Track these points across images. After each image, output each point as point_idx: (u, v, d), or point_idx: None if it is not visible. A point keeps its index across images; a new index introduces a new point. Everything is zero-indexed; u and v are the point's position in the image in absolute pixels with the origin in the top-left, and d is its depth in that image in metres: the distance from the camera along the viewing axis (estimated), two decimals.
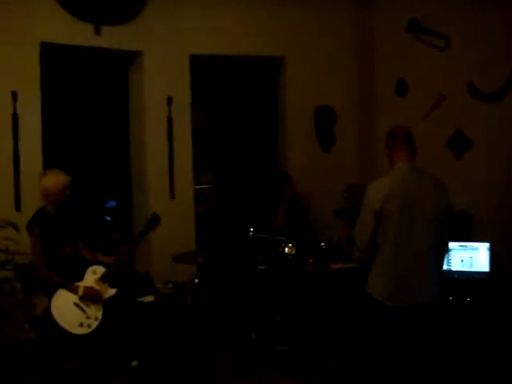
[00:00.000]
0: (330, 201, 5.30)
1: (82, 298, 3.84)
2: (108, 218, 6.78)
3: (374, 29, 5.57)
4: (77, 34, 4.85)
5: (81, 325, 3.80)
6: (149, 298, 4.37)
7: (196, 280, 4.68)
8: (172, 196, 5.29)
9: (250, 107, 6.99)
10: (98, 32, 4.92)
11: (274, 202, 5.04)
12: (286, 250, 4.30)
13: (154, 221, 4.25)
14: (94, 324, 3.84)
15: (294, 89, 5.60)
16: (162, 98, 5.24)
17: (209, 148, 7.46)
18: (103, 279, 3.97)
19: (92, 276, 3.96)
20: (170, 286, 4.44)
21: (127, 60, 5.41)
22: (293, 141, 5.68)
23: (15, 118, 4.61)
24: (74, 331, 3.77)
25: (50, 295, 3.80)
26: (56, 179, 3.90)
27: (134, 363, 4.15)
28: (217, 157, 7.65)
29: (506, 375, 3.92)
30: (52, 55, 4.92)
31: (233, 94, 7.14)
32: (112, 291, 4.00)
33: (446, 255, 4.06)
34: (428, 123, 5.14)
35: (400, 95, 5.39)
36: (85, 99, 6.28)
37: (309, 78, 5.56)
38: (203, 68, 5.86)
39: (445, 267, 4.29)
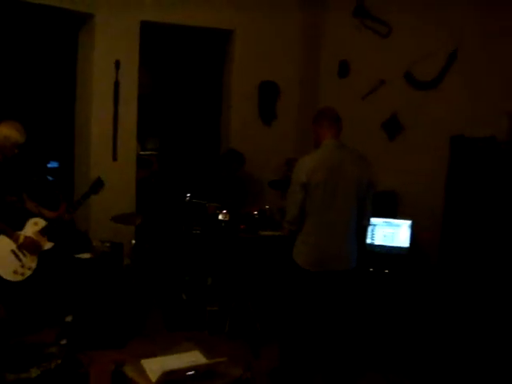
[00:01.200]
0: (270, 173, 5.53)
1: (20, 247, 3.94)
2: (50, 178, 6.79)
3: (323, 11, 5.75)
4: None
5: (15, 272, 3.90)
6: (86, 255, 4.47)
7: (133, 241, 4.82)
8: (114, 158, 5.37)
9: (198, 77, 7.10)
10: None
11: (221, 176, 5.21)
12: (220, 216, 4.50)
13: (98, 185, 4.36)
14: (28, 273, 3.95)
15: (241, 62, 5.74)
16: (110, 61, 5.29)
17: (156, 115, 7.55)
18: (43, 232, 4.07)
19: (33, 227, 4.06)
20: (107, 244, 4.55)
21: (79, 21, 5.42)
22: (236, 112, 5.83)
23: None
24: (6, 277, 3.87)
25: None
26: (9, 133, 3.92)
27: (69, 318, 4.27)
28: (163, 124, 7.75)
29: (417, 341, 4.27)
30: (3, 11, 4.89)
31: (182, 63, 7.23)
32: (49, 245, 4.11)
33: (369, 228, 4.37)
34: (366, 105, 5.38)
35: (342, 77, 5.60)
36: (33, 56, 6.24)
37: (256, 53, 5.72)
38: (154, 35, 5.92)
39: (368, 241, 4.62)
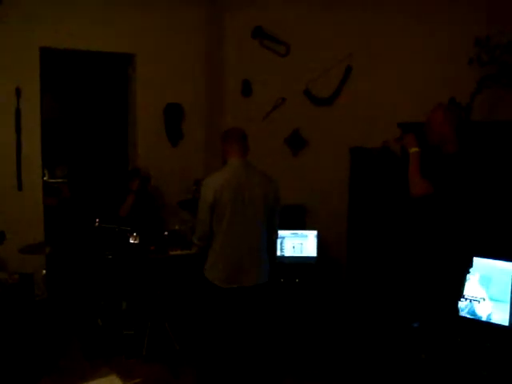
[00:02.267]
0: (179, 192, 5.60)
1: None
2: None
3: (224, 33, 5.90)
4: None
5: None
6: None
7: (43, 271, 4.73)
8: (19, 188, 5.26)
9: (103, 102, 7.08)
10: None
11: (123, 192, 5.19)
12: (131, 239, 4.51)
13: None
14: None
15: (145, 85, 5.77)
16: (10, 89, 5.19)
17: (63, 143, 7.45)
18: None
19: None
20: (16, 276, 4.45)
21: None
22: (143, 135, 5.83)
23: None
24: None
25: None
26: None
27: None
28: (71, 152, 7.65)
29: (326, 344, 4.45)
30: None
31: (86, 88, 7.19)
32: None
33: (278, 241, 4.52)
34: (269, 123, 5.58)
35: (245, 96, 5.77)
36: None
37: (159, 76, 5.77)
38: (58, 61, 5.86)
39: (278, 253, 4.77)
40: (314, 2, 5.33)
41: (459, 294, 3.38)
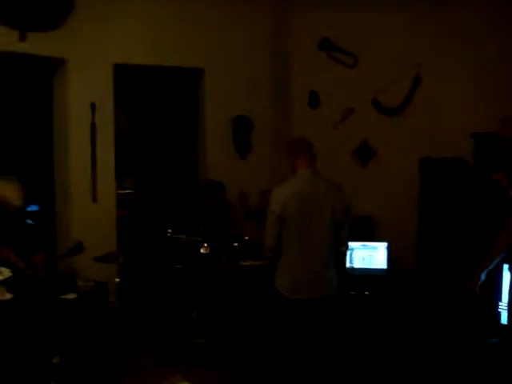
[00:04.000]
0: (248, 203, 5.67)
1: None
2: (29, 222, 6.79)
3: (290, 45, 5.96)
4: (1, 39, 4.96)
5: None
6: (71, 296, 4.49)
7: (116, 279, 4.86)
8: (94, 199, 5.44)
9: (173, 115, 7.24)
10: (22, 38, 5.04)
11: (202, 206, 5.31)
12: (202, 249, 4.58)
13: (77, 249, 4.41)
14: None
15: (213, 99, 5.89)
16: (85, 104, 5.39)
17: (132, 154, 7.65)
18: (3, 283, 4.04)
19: None
20: (91, 283, 4.59)
21: (52, 66, 5.54)
22: (212, 148, 5.95)
23: None
24: None
25: None
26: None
27: (56, 360, 4.27)
28: (140, 163, 7.83)
29: (398, 356, 4.36)
30: None
31: (156, 102, 7.36)
32: (8, 296, 4.07)
33: (348, 253, 4.48)
34: (338, 134, 5.56)
35: (312, 107, 5.78)
36: (9, 105, 6.33)
37: (227, 89, 5.87)
38: (128, 75, 6.06)
39: (348, 265, 4.74)
40: (381, 12, 5.30)
41: None
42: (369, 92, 5.38)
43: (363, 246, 4.86)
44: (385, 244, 4.85)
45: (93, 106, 5.41)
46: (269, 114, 6.05)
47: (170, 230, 4.61)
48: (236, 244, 4.81)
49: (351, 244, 4.53)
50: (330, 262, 3.64)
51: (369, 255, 4.84)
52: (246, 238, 4.98)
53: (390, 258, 4.85)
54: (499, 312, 3.76)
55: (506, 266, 3.71)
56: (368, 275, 4.77)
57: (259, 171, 5.94)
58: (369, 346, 4.44)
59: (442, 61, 4.89)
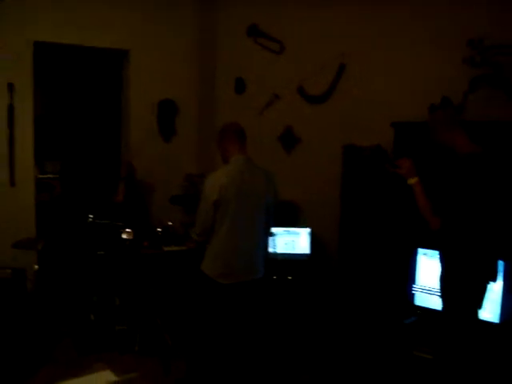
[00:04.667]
0: (171, 188, 5.61)
1: None
2: None
3: (218, 31, 5.94)
4: None
5: None
6: None
7: (35, 266, 4.73)
8: (12, 184, 5.24)
9: (97, 98, 7.07)
10: None
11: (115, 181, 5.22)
12: (124, 235, 4.51)
13: None
14: None
15: (138, 81, 5.79)
16: (2, 85, 5.17)
17: (55, 138, 7.42)
18: None
19: None
20: (8, 271, 4.45)
21: None
22: (136, 131, 5.87)
23: None
24: None
25: None
26: None
27: None
28: (63, 147, 7.62)
29: (318, 341, 4.48)
30: None
31: (80, 83, 7.17)
32: None
33: (271, 238, 4.53)
34: (262, 120, 5.60)
35: (238, 93, 5.80)
36: None
37: (153, 72, 5.79)
38: (48, 55, 5.84)
39: (270, 250, 4.78)
40: (309, 0, 5.34)
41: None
42: (294, 79, 5.42)
43: (286, 231, 4.93)
44: (307, 229, 4.94)
45: (10, 87, 5.19)
46: (194, 98, 6.02)
47: (91, 216, 4.50)
48: (159, 229, 4.77)
49: (274, 229, 4.58)
50: (261, 247, 3.70)
51: (292, 240, 4.92)
52: (170, 223, 4.95)
53: (313, 243, 4.95)
54: (413, 294, 3.93)
55: (426, 253, 3.87)
56: (291, 260, 4.85)
57: (184, 155, 5.91)
58: (291, 330, 4.54)
59: (366, 49, 4.97)
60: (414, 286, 3.94)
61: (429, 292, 3.83)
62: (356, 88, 5.09)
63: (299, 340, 4.52)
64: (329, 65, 5.20)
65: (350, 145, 4.90)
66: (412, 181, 3.24)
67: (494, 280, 3.17)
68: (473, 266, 3.09)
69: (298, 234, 4.93)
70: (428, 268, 3.85)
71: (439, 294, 3.23)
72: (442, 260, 3.20)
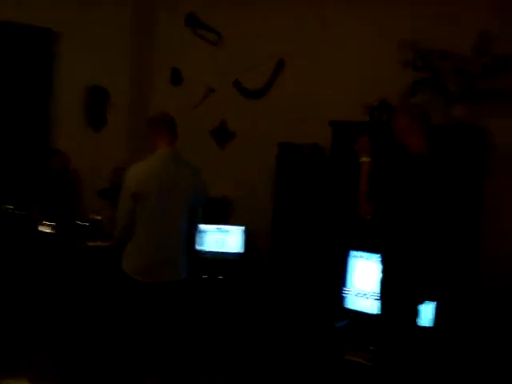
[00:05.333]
0: (99, 180, 5.33)
1: None
2: None
3: (155, 18, 5.69)
4: None
5: None
6: None
7: None
8: None
9: (24, 78, 6.63)
10: None
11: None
12: (43, 227, 4.19)
13: None
14: None
15: (68, 65, 5.47)
16: None
17: None
18: None
19: None
20: None
21: None
22: (64, 118, 5.54)
23: None
24: None
25: None
26: None
27: None
28: None
29: (243, 342, 4.35)
30: None
31: (5, 62, 6.70)
32: None
33: (201, 235, 4.37)
34: (197, 113, 5.42)
35: (174, 84, 5.59)
36: None
37: (84, 57, 5.48)
38: None
39: (199, 248, 4.61)
40: None
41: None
42: (231, 72, 5.28)
43: (218, 228, 4.78)
44: (240, 227, 4.80)
45: None
46: (128, 87, 5.72)
47: (10, 206, 4.18)
48: (87, 223, 4.49)
49: (205, 227, 4.43)
50: (183, 246, 3.51)
51: (222, 238, 4.76)
52: (99, 217, 4.68)
53: (246, 242, 4.81)
54: (345, 296, 3.86)
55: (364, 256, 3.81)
56: (222, 259, 4.69)
57: (114, 146, 5.61)
58: (219, 332, 4.38)
59: (306, 46, 4.88)
60: (346, 288, 3.87)
61: (362, 295, 3.77)
62: (294, 85, 5.01)
63: (224, 342, 4.36)
64: (267, 60, 5.10)
65: (286, 142, 4.80)
66: (364, 159, 3.17)
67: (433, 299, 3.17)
68: (412, 280, 3.01)
69: (229, 231, 4.78)
70: (361, 270, 3.80)
71: (378, 297, 3.15)
72: (383, 264, 3.13)
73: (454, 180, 3.15)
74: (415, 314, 3.09)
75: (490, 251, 4.08)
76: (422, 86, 4.27)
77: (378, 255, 3.22)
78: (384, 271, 3.10)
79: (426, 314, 3.46)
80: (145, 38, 5.74)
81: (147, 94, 5.71)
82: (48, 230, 4.20)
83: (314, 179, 4.59)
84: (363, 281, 3.76)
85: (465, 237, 3.90)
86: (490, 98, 4.09)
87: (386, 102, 4.30)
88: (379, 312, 3.16)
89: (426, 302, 3.16)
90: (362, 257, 3.82)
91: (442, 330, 3.54)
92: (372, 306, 3.66)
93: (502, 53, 4.01)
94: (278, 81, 5.12)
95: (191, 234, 3.59)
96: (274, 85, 5.14)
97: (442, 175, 3.11)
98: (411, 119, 3.15)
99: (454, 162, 3.29)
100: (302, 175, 4.63)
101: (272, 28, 5.10)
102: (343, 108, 4.51)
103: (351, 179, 3.46)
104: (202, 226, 3.84)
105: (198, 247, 4.35)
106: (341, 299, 3.87)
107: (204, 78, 5.41)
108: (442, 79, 4.24)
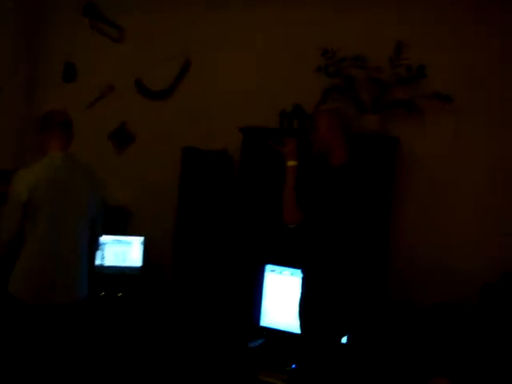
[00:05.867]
0: None
1: None
2: None
3: (48, 6, 5.16)
4: None
5: None
6: None
7: None
8: None
9: None
10: None
11: None
12: None
13: None
14: None
15: None
16: None
17: None
18: None
19: None
20: None
21: None
22: None
23: None
24: None
25: None
26: None
27: None
28: None
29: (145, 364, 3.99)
30: None
31: None
32: None
33: (99, 250, 3.95)
34: (93, 114, 4.99)
35: (67, 81, 5.11)
36: None
37: None
38: None
39: (98, 262, 4.19)
40: None
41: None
42: (133, 71, 4.90)
43: (116, 240, 4.36)
44: (140, 239, 4.42)
45: None
46: (14, 81, 5.13)
47: None
48: None
49: (103, 238, 4.00)
50: (83, 262, 3.11)
51: (123, 251, 4.36)
52: None
53: (146, 254, 4.44)
54: (259, 314, 3.62)
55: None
56: (122, 274, 4.28)
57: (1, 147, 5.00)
58: (117, 353, 3.97)
59: (215, 47, 4.64)
60: (260, 305, 3.62)
61: (276, 312, 3.54)
62: (202, 87, 4.74)
63: (125, 367, 3.96)
64: (173, 59, 4.78)
65: (191, 147, 4.51)
66: (291, 163, 2.97)
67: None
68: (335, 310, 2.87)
69: (129, 243, 4.39)
70: (276, 286, 3.57)
71: (297, 316, 2.93)
72: (305, 283, 2.92)
73: (365, 192, 3.04)
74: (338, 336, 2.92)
75: (396, 265, 4.04)
76: (334, 93, 4.16)
77: (299, 270, 3.02)
78: (305, 291, 2.90)
79: None
80: (38, 26, 5.18)
81: (38, 89, 5.17)
82: None
83: (221, 187, 4.33)
84: (278, 297, 3.54)
85: (373, 251, 3.82)
86: (402, 108, 4.06)
87: (300, 108, 4.15)
88: (298, 331, 2.95)
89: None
90: (275, 271, 3.61)
91: (355, 348, 3.41)
92: (288, 324, 3.44)
93: (416, 63, 3.99)
94: (184, 82, 4.80)
95: (92, 249, 3.19)
96: (179, 86, 4.82)
97: (360, 186, 2.98)
98: (333, 123, 2.99)
99: (365, 173, 3.15)
100: (209, 183, 4.35)
101: (179, 26, 4.78)
102: (255, 113, 4.32)
103: (262, 188, 3.24)
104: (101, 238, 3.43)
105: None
106: (254, 317, 3.62)
107: (102, 76, 4.98)
108: (355, 87, 4.15)
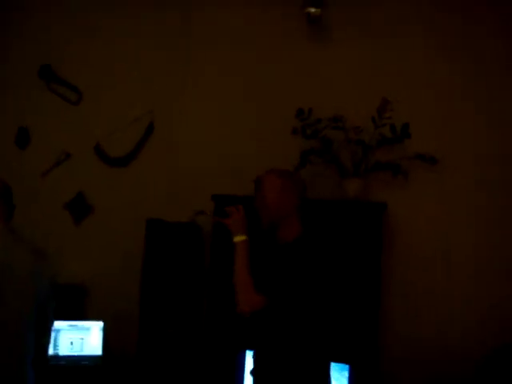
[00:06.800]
0: None
1: None
2: None
3: (5, 66, 4.79)
4: None
5: None
6: None
7: None
8: None
9: None
10: None
11: None
12: None
13: None
14: None
15: None
16: None
17: None
18: None
19: None
20: None
21: None
22: None
23: None
24: None
25: None
26: None
27: None
28: None
29: None
30: None
31: None
32: None
33: (51, 338, 3.40)
34: (47, 182, 4.57)
35: (20, 147, 4.69)
36: None
37: None
38: None
39: (51, 352, 3.66)
40: (116, 48, 4.56)
41: None
42: (91, 135, 4.53)
43: (72, 326, 3.84)
44: (100, 323, 3.91)
45: None
46: None
47: None
48: None
49: (56, 324, 3.51)
50: (27, 358, 2.59)
51: (79, 338, 3.84)
52: None
53: (107, 342, 3.92)
54: None
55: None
56: (79, 366, 3.73)
57: None
58: None
59: (180, 109, 4.35)
60: None
61: None
62: (166, 152, 4.43)
63: None
64: (135, 123, 4.45)
65: (156, 219, 4.12)
66: (239, 238, 2.43)
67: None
68: None
69: (87, 329, 3.87)
70: None
71: None
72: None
73: (348, 262, 2.67)
74: None
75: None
76: (313, 156, 3.87)
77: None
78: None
79: None
80: None
81: None
82: None
83: (190, 262, 3.93)
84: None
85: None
86: (386, 170, 3.80)
87: None
88: None
89: None
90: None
91: None
92: None
93: (398, 122, 3.75)
94: (147, 147, 4.46)
95: (40, 344, 2.68)
96: (141, 152, 4.48)
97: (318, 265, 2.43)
98: (284, 188, 2.50)
99: (328, 247, 2.68)
100: (177, 258, 3.96)
101: (140, 87, 4.49)
102: (228, 179, 4.00)
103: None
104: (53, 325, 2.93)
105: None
106: None
107: (58, 141, 4.59)
108: (333, 150, 3.88)
